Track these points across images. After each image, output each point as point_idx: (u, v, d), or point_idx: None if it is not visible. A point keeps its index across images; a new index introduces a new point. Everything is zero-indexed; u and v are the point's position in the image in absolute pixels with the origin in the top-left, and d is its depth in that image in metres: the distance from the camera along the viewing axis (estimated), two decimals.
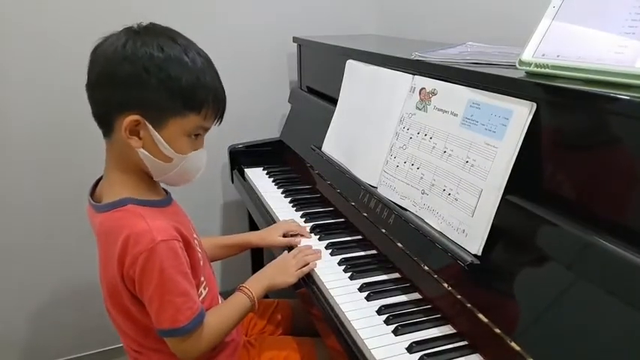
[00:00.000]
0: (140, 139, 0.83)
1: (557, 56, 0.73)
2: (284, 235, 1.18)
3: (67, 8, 1.47)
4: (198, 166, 0.91)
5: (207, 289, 0.96)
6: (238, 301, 0.98)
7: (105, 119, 0.85)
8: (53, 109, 1.53)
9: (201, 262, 0.95)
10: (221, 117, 0.89)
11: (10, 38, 1.44)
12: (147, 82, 0.80)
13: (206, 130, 0.89)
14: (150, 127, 0.82)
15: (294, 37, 1.68)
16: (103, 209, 0.86)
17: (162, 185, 0.96)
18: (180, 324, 0.84)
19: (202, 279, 0.95)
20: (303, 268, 1.04)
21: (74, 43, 1.49)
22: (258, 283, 1.02)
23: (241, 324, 1.13)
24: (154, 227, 0.82)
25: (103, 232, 0.87)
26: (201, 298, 0.93)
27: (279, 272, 1.05)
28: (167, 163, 0.86)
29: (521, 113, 0.76)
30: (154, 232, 0.81)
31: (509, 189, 0.78)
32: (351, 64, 1.30)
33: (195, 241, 0.94)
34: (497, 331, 0.72)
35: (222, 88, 0.88)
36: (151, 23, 0.86)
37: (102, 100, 0.84)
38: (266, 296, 1.51)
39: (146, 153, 0.84)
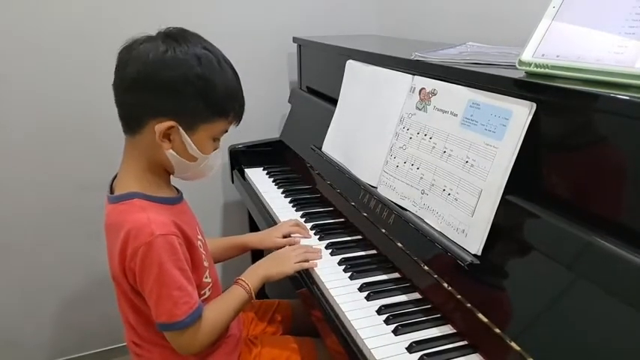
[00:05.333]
0: (170, 141, 0.86)
1: (557, 56, 0.73)
2: (284, 237, 1.18)
3: (64, 11, 1.47)
4: (216, 163, 0.96)
5: (211, 290, 0.97)
6: (235, 295, 0.98)
7: (135, 121, 0.87)
8: (53, 110, 1.53)
9: (206, 263, 0.96)
10: (240, 120, 0.94)
11: (7, 40, 1.44)
12: (185, 91, 0.83)
13: (226, 132, 0.93)
14: (182, 132, 0.85)
15: (294, 37, 1.68)
16: (113, 200, 0.89)
17: (176, 184, 0.98)
18: (177, 318, 0.85)
19: (209, 280, 0.96)
20: (303, 263, 1.04)
21: (71, 46, 1.50)
22: (254, 274, 1.03)
23: (242, 321, 1.14)
24: (154, 221, 0.84)
25: (109, 224, 0.89)
26: (203, 298, 0.94)
27: (276, 263, 1.06)
28: (191, 162, 0.90)
29: (520, 113, 0.76)
30: (152, 225, 0.83)
31: (509, 189, 0.78)
32: (351, 65, 1.30)
33: (199, 242, 0.95)
34: (497, 330, 0.72)
35: (243, 93, 0.93)
36: (182, 29, 0.88)
37: (134, 103, 0.86)
38: (266, 297, 1.52)
39: (174, 154, 0.87)
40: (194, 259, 0.92)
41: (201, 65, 0.83)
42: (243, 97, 0.93)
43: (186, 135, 0.86)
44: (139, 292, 0.88)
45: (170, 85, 0.82)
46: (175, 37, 0.85)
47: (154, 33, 0.87)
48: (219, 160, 0.96)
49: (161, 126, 0.84)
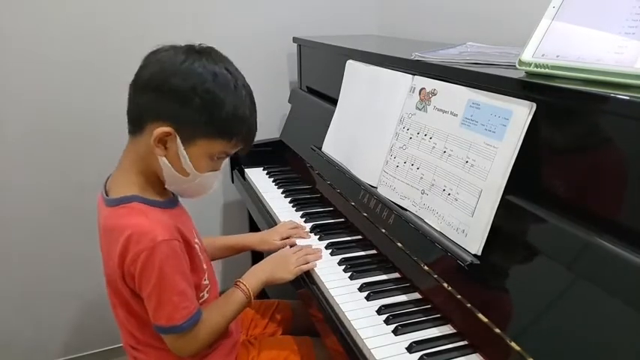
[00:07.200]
0: (166, 149, 0.85)
1: (557, 56, 0.73)
2: (282, 239, 1.18)
3: (64, 12, 1.47)
4: (210, 185, 0.94)
5: (209, 293, 0.97)
6: (234, 298, 0.98)
7: (138, 121, 0.87)
8: (53, 111, 1.53)
9: (205, 266, 0.96)
10: (247, 147, 0.93)
11: (7, 41, 1.44)
12: (191, 101, 0.82)
13: (228, 155, 0.92)
14: (179, 141, 0.84)
15: (294, 38, 1.69)
16: (111, 203, 0.88)
17: None
18: (176, 322, 0.85)
19: (206, 282, 0.96)
20: (302, 266, 1.04)
21: (71, 47, 1.50)
22: (255, 277, 1.03)
23: (241, 323, 1.14)
24: (157, 226, 0.84)
25: (107, 228, 0.88)
26: (202, 301, 0.94)
27: (278, 267, 1.06)
28: (183, 176, 0.88)
29: (520, 113, 0.76)
30: (156, 231, 0.83)
31: (509, 189, 0.78)
32: (351, 65, 1.30)
33: (197, 245, 0.95)
34: (497, 330, 0.72)
35: (256, 122, 0.92)
36: (211, 48, 0.89)
37: (141, 103, 0.86)
38: (266, 297, 1.52)
39: (167, 163, 0.86)
40: (193, 262, 0.92)
41: (215, 82, 0.83)
42: (254, 125, 0.91)
43: (182, 146, 0.85)
44: (137, 295, 0.87)
45: (178, 93, 0.82)
46: (199, 51, 0.86)
47: (181, 43, 0.87)
48: (215, 182, 0.94)
49: (158, 130, 0.83)
